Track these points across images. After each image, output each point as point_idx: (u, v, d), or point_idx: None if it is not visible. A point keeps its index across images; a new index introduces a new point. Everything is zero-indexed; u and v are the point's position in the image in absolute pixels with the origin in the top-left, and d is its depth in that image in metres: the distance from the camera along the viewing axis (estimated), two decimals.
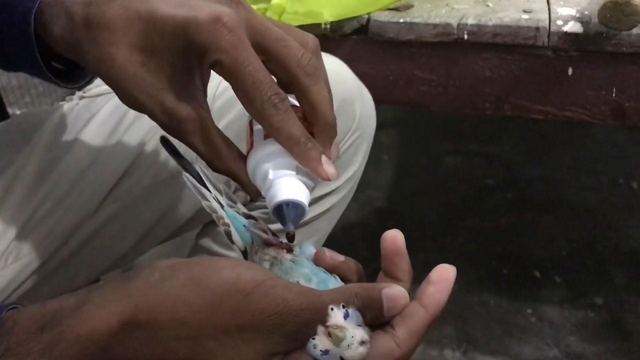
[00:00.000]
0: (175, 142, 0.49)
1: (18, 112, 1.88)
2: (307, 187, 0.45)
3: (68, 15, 0.45)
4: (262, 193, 0.45)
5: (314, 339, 0.36)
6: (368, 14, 0.83)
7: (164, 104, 0.44)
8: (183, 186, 0.71)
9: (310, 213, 0.76)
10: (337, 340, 0.36)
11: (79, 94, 0.75)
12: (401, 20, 0.81)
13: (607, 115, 0.80)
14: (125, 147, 0.69)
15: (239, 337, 0.36)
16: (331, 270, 0.43)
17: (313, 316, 0.36)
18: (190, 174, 0.48)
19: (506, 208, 1.59)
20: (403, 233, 0.42)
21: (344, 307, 0.37)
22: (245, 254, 0.47)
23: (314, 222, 0.77)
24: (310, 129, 0.45)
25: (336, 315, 0.36)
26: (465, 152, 1.81)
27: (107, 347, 0.36)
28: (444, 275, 0.40)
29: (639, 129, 1.79)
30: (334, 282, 0.42)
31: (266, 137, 0.45)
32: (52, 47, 0.48)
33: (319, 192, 0.75)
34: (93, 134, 0.69)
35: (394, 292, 0.39)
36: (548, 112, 0.81)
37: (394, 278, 0.42)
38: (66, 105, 0.73)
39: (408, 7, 0.83)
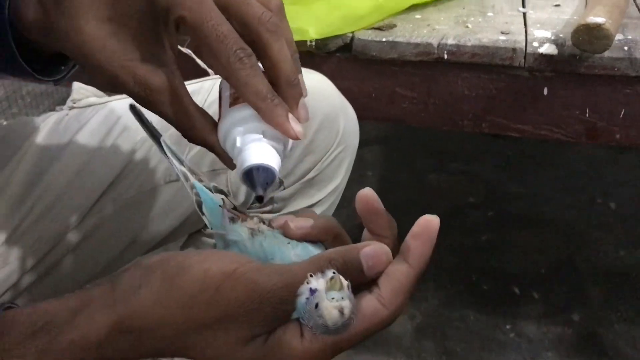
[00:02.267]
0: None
1: (4, 122, 1.89)
2: (277, 151, 0.43)
3: None
4: (234, 161, 0.45)
5: (311, 275, 0.36)
6: (352, 32, 0.86)
7: (135, 74, 0.43)
8: (169, 197, 0.72)
9: None
10: (332, 286, 0.36)
11: (69, 104, 0.77)
12: (384, 39, 0.83)
13: (581, 135, 0.82)
14: (113, 157, 0.70)
15: (219, 328, 0.37)
16: (303, 239, 0.43)
17: (287, 293, 0.37)
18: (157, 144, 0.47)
19: (487, 225, 1.62)
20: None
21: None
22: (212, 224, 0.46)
23: None
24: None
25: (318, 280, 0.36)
26: (448, 169, 1.83)
27: (99, 351, 0.38)
28: (426, 227, 0.40)
29: (616, 149, 1.83)
30: (313, 249, 0.42)
31: (232, 104, 0.45)
32: (26, 36, 0.48)
33: (302, 204, 0.77)
34: (81, 144, 0.70)
35: (373, 250, 0.39)
36: (525, 131, 0.84)
37: (376, 235, 0.42)
38: (55, 116, 0.74)
39: (391, 26, 0.86)
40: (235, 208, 0.46)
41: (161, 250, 0.79)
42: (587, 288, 1.43)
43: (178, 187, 0.73)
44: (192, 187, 0.47)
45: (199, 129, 0.45)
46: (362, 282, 0.39)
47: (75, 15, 0.43)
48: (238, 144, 0.43)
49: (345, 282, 0.36)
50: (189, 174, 0.47)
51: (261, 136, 0.43)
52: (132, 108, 0.51)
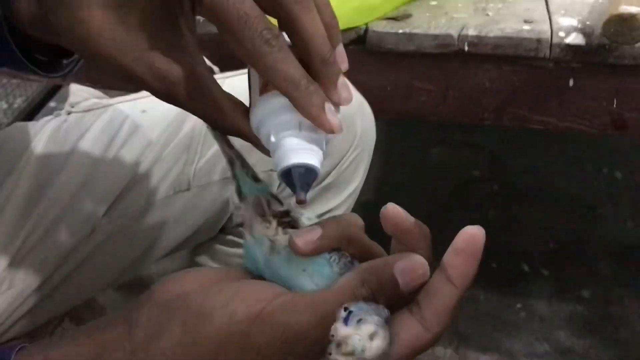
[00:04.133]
0: None
1: None
2: (316, 143, 0.38)
3: None
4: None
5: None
6: (366, 24, 0.81)
7: (153, 65, 0.38)
8: (179, 207, 0.69)
9: None
10: (350, 354, 0.34)
11: (67, 108, 0.73)
12: (400, 31, 0.79)
13: (607, 126, 0.80)
14: (119, 167, 0.67)
15: None
16: (317, 253, 0.38)
17: (320, 333, 0.34)
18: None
19: (493, 200, 1.60)
20: None
21: (345, 309, 0.34)
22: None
23: None
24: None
25: (337, 328, 0.34)
26: (451, 142, 1.80)
27: None
28: (471, 243, 0.35)
29: None
30: (329, 273, 0.38)
31: (262, 91, 0.39)
32: (24, 29, 0.43)
33: (319, 210, 0.74)
34: (84, 153, 0.67)
35: (408, 264, 0.36)
36: (548, 122, 0.81)
37: (408, 247, 0.38)
38: (53, 122, 0.70)
39: (407, 16, 0.81)
40: (274, 196, 0.41)
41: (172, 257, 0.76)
42: (596, 263, 1.42)
43: (188, 198, 0.70)
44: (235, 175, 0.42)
45: (230, 117, 0.40)
46: (397, 298, 0.35)
47: (75, 5, 0.38)
48: (272, 138, 0.38)
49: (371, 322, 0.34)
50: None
51: (297, 130, 0.37)
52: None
